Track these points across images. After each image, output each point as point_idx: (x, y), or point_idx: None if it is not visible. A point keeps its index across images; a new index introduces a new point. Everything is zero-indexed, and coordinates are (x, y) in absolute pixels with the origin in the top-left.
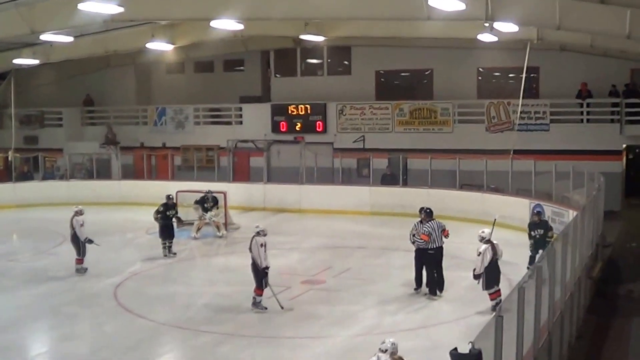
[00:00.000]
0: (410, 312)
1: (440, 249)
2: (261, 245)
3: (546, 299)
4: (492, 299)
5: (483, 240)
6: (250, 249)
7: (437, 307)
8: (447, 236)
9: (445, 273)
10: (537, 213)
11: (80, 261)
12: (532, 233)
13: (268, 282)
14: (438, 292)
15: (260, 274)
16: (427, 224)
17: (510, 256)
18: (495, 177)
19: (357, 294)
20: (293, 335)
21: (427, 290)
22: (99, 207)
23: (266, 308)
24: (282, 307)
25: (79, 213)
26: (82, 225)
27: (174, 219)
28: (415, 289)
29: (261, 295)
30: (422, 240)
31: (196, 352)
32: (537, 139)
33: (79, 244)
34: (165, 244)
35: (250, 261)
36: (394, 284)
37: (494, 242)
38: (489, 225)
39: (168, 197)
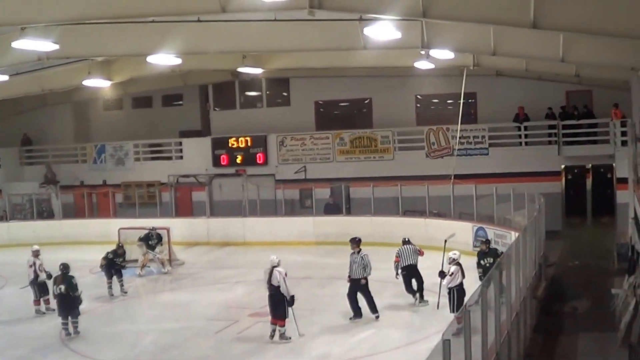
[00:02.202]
0: (359, 340)
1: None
2: (285, 275)
3: (492, 320)
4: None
5: (454, 262)
6: (269, 281)
7: (386, 334)
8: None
9: (391, 299)
10: (485, 242)
11: (38, 302)
12: (482, 262)
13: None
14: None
15: (288, 304)
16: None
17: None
18: (437, 202)
19: (306, 324)
20: None
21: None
22: (41, 247)
23: (290, 338)
24: (300, 334)
25: (34, 252)
26: (41, 265)
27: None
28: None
29: (284, 325)
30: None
31: None
32: (477, 163)
33: (37, 286)
34: (110, 282)
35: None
36: (341, 313)
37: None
38: (434, 250)
39: (119, 246)
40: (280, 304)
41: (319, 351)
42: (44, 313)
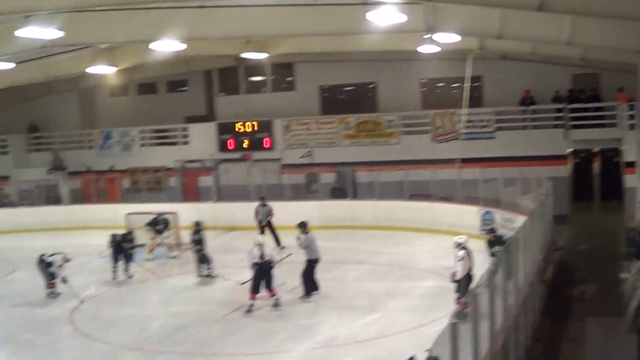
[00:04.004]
0: (366, 323)
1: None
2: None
3: (500, 304)
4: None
5: (459, 246)
6: (261, 257)
7: (393, 317)
8: None
9: (398, 283)
10: (490, 230)
11: (50, 286)
12: (492, 251)
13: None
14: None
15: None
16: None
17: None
18: (443, 186)
19: (312, 307)
20: (251, 352)
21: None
22: (49, 232)
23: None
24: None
25: (65, 259)
26: (60, 266)
27: (129, 250)
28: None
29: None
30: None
31: None
32: (483, 147)
33: (45, 272)
34: (115, 267)
35: None
36: (347, 297)
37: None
38: (440, 234)
39: (129, 233)
40: (270, 276)
41: (326, 335)
42: (55, 297)
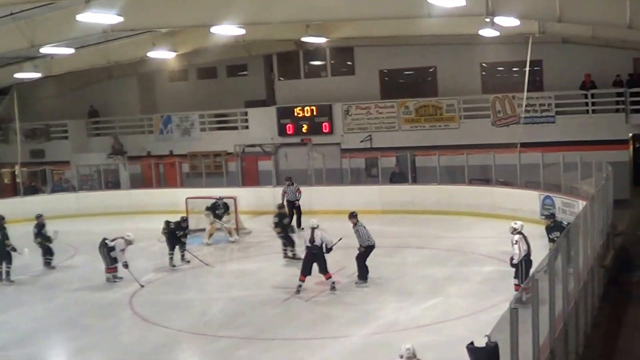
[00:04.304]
0: (426, 308)
1: None
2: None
3: (560, 290)
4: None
5: (515, 231)
6: (312, 241)
7: (453, 303)
8: None
9: (458, 268)
10: (549, 216)
11: (110, 270)
12: (551, 236)
13: None
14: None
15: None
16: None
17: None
18: (503, 171)
19: (372, 292)
20: (311, 337)
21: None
22: (109, 217)
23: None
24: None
25: (127, 243)
26: (122, 250)
27: (183, 238)
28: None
29: (331, 277)
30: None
31: (214, 357)
32: (544, 132)
33: (108, 256)
34: (172, 254)
35: None
36: (408, 281)
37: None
38: (500, 218)
39: (183, 219)
40: (322, 259)
41: (386, 319)
42: (114, 281)
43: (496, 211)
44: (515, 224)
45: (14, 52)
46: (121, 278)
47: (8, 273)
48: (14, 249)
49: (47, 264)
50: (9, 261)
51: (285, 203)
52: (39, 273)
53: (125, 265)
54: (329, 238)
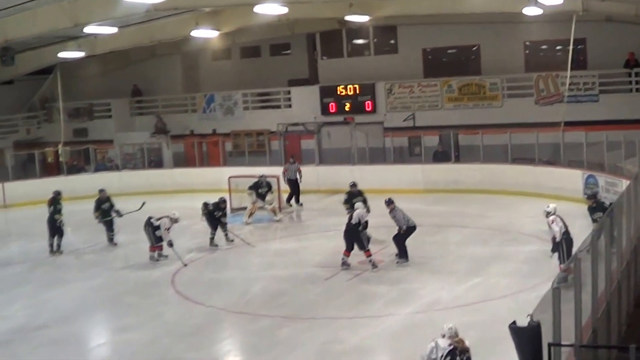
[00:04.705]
0: (469, 287)
1: None
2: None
3: (603, 270)
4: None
5: (549, 215)
6: (350, 219)
7: (495, 282)
8: None
9: (500, 247)
10: (591, 196)
11: (154, 249)
12: (593, 217)
13: None
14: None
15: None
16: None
17: None
18: (546, 150)
19: (414, 271)
20: (352, 316)
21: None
22: (152, 196)
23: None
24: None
25: (173, 221)
26: (167, 229)
27: (222, 218)
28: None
29: (371, 255)
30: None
31: (256, 336)
32: (587, 110)
33: (153, 235)
34: (213, 234)
35: None
36: (450, 261)
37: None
38: (543, 198)
39: (222, 200)
40: (357, 237)
41: (428, 299)
42: (158, 260)
43: (539, 190)
44: (548, 207)
45: (57, 31)
46: (166, 256)
47: (59, 246)
48: (61, 223)
49: (110, 240)
50: (60, 235)
51: (286, 181)
52: (81, 252)
53: (170, 244)
54: (365, 216)
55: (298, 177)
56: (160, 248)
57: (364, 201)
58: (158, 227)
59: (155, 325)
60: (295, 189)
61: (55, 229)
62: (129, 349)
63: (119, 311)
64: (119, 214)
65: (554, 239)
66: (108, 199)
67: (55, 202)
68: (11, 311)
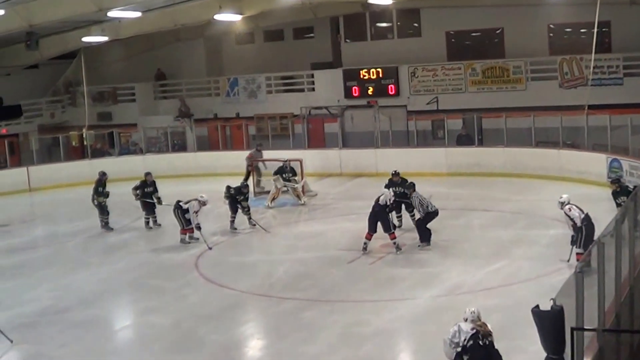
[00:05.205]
0: (492, 271)
1: None
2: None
3: (627, 254)
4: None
5: (563, 205)
6: (377, 201)
7: (518, 266)
8: None
9: (524, 231)
10: (616, 180)
11: (185, 232)
12: (617, 201)
13: None
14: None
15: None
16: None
17: (589, 211)
18: (570, 133)
19: (437, 255)
20: (376, 299)
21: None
22: (176, 179)
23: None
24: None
25: (201, 204)
26: (196, 212)
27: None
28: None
29: (395, 237)
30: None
31: (280, 319)
32: (611, 93)
33: (182, 218)
34: (234, 217)
35: None
36: (474, 244)
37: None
38: (567, 181)
39: (244, 185)
40: (385, 218)
41: (451, 282)
42: (189, 242)
43: (563, 174)
44: (561, 197)
45: (82, 16)
46: (197, 239)
47: (106, 223)
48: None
49: (146, 223)
50: (105, 213)
51: (248, 167)
52: (106, 235)
53: (198, 227)
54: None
55: (258, 165)
56: (192, 230)
57: (408, 187)
58: (187, 210)
59: (179, 308)
60: (256, 173)
61: (101, 207)
62: (153, 331)
63: (143, 294)
64: (160, 201)
65: (573, 226)
66: (153, 183)
67: (98, 183)
68: (37, 294)
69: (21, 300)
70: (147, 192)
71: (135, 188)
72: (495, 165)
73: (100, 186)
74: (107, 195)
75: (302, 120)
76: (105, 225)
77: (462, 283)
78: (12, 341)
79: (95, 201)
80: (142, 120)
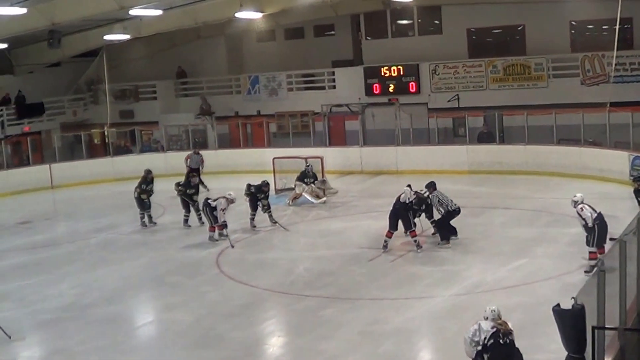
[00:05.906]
0: (512, 269)
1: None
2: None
3: None
4: (591, 259)
5: (576, 204)
6: (398, 199)
7: (539, 264)
8: None
9: (545, 229)
10: (638, 178)
11: (214, 229)
12: (638, 199)
13: None
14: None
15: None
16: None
17: (611, 209)
18: (592, 131)
19: (458, 253)
20: (396, 297)
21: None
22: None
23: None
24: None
25: (229, 201)
26: (224, 210)
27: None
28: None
29: (416, 235)
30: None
31: (300, 316)
32: (634, 91)
33: (211, 215)
34: (254, 214)
35: None
36: (495, 242)
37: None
38: (588, 179)
39: (265, 183)
40: (405, 216)
41: (472, 280)
42: (217, 240)
43: (584, 172)
44: (575, 196)
45: (103, 14)
46: (226, 236)
47: (150, 217)
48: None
49: (185, 221)
50: (147, 209)
51: (187, 169)
52: (127, 232)
53: (225, 225)
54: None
55: (200, 166)
56: (220, 227)
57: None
58: (215, 208)
59: (200, 305)
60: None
61: (142, 204)
62: (173, 328)
63: (164, 291)
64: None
65: (585, 226)
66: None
67: (142, 181)
68: (60, 290)
69: (43, 296)
70: (189, 193)
71: (182, 186)
72: (516, 163)
73: (144, 183)
74: (150, 192)
75: (323, 118)
76: (149, 218)
77: (482, 281)
78: (10, 337)
79: (139, 195)
80: (163, 118)
